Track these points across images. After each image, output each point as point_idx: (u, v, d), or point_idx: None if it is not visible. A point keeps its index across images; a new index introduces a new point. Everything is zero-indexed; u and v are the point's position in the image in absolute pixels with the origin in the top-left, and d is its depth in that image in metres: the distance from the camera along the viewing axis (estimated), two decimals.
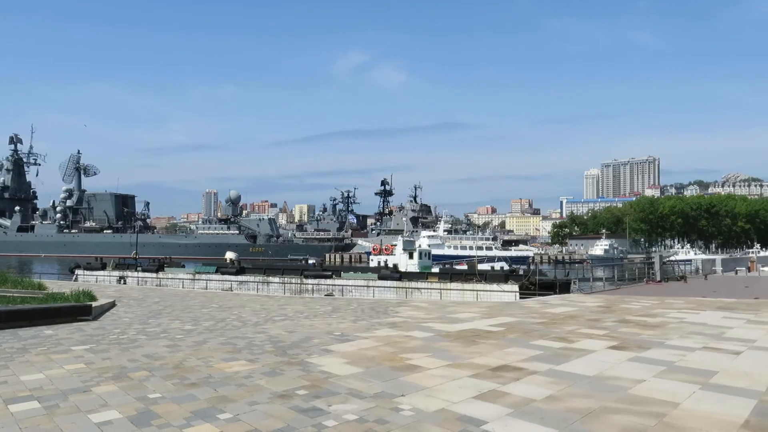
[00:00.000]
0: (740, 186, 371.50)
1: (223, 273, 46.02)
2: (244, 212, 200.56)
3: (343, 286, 41.20)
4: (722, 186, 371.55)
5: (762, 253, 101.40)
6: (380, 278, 40.26)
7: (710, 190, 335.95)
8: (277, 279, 43.83)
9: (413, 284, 38.08)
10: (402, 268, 44.70)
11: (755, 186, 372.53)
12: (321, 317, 15.68)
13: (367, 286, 39.53)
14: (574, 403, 6.91)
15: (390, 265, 45.45)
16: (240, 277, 44.97)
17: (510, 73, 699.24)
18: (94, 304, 15.95)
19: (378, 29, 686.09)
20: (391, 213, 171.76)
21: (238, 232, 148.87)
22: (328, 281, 42.55)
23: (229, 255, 53.15)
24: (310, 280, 43.03)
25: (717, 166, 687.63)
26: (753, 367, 8.92)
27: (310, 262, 58.31)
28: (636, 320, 14.79)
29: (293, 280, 43.36)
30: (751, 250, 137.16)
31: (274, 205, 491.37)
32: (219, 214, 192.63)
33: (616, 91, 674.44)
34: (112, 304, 18.45)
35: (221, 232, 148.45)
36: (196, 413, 6.46)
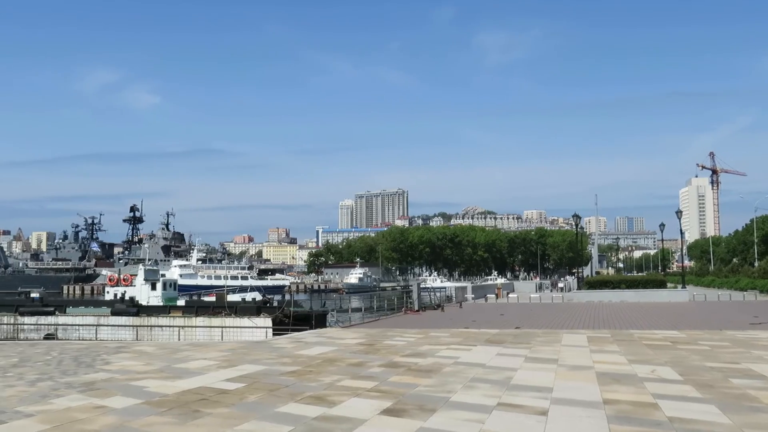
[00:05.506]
0: (478, 218, 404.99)
1: None
2: None
3: (67, 325, 35.09)
4: (462, 218, 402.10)
5: (499, 280, 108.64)
6: (114, 314, 34.95)
7: (452, 221, 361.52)
8: None
9: (153, 320, 33.32)
10: (143, 301, 39.60)
11: (490, 218, 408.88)
12: None
13: (98, 325, 33.84)
14: None
15: (127, 297, 39.96)
16: None
17: (267, 101, 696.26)
18: None
19: (128, 50, 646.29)
20: (141, 241, 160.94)
21: None
22: (50, 319, 36.15)
23: None
24: (27, 319, 36.24)
25: (457, 200, 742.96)
26: None
27: (33, 295, 50.16)
28: (406, 363, 12.37)
29: (5, 320, 36.20)
30: (490, 277, 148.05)
31: (7, 233, 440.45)
32: None
33: (369, 124, 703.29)
34: None
35: None
36: None
